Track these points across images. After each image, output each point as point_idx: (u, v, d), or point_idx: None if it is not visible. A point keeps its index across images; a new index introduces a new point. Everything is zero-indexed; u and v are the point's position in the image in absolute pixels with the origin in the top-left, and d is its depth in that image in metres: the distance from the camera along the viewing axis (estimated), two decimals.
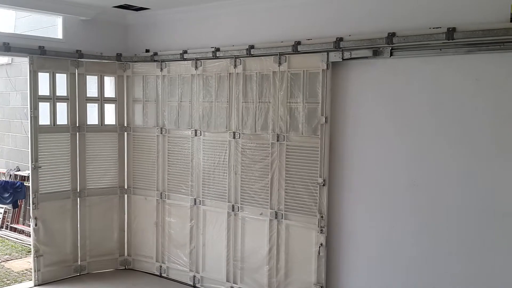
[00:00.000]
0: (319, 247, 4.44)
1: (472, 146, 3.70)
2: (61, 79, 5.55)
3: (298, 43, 4.48)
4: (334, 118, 4.41)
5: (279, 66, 4.64)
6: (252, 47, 4.81)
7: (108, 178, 5.88)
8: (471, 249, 3.72)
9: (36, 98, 5.32)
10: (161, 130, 5.64)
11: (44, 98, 5.40)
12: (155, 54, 5.64)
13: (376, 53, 4.04)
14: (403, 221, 4.06)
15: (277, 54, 4.61)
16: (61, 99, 5.54)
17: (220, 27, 5.23)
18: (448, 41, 3.66)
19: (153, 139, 5.72)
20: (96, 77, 5.78)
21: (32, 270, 5.46)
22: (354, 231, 4.37)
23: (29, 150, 5.37)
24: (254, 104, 4.85)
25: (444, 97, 3.83)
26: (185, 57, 5.33)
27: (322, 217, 4.42)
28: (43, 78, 5.44)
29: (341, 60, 4.23)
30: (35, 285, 5.43)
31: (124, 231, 6.00)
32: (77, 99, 5.64)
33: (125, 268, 6.00)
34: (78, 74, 5.60)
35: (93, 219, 5.81)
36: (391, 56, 3.98)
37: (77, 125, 5.63)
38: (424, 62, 3.92)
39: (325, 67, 4.33)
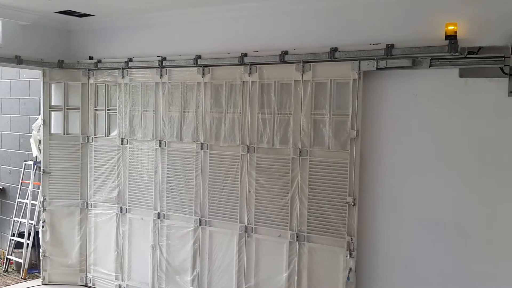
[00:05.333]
0: (348, 272, 4.06)
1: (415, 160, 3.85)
2: (74, 89, 5.71)
3: (245, 54, 4.50)
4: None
5: (302, 74, 4.27)
6: (199, 57, 4.75)
7: (109, 191, 5.56)
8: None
9: (48, 108, 5.61)
10: (160, 143, 5.12)
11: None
12: (99, 61, 5.41)
13: (414, 63, 3.78)
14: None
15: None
16: (73, 108, 5.70)
17: (166, 36, 5.11)
18: (387, 56, 3.79)
19: (150, 152, 5.19)
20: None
21: (41, 269, 5.76)
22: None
23: (41, 156, 5.70)
24: (272, 116, 4.44)
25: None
26: (130, 65, 5.21)
27: (351, 239, 4.05)
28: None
29: (375, 69, 3.92)
30: (42, 284, 5.70)
31: (124, 253, 5.44)
32: (86, 109, 5.69)
33: None
34: (89, 84, 5.64)
35: (98, 233, 5.66)
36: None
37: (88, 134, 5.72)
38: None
39: (356, 76, 4.01)
